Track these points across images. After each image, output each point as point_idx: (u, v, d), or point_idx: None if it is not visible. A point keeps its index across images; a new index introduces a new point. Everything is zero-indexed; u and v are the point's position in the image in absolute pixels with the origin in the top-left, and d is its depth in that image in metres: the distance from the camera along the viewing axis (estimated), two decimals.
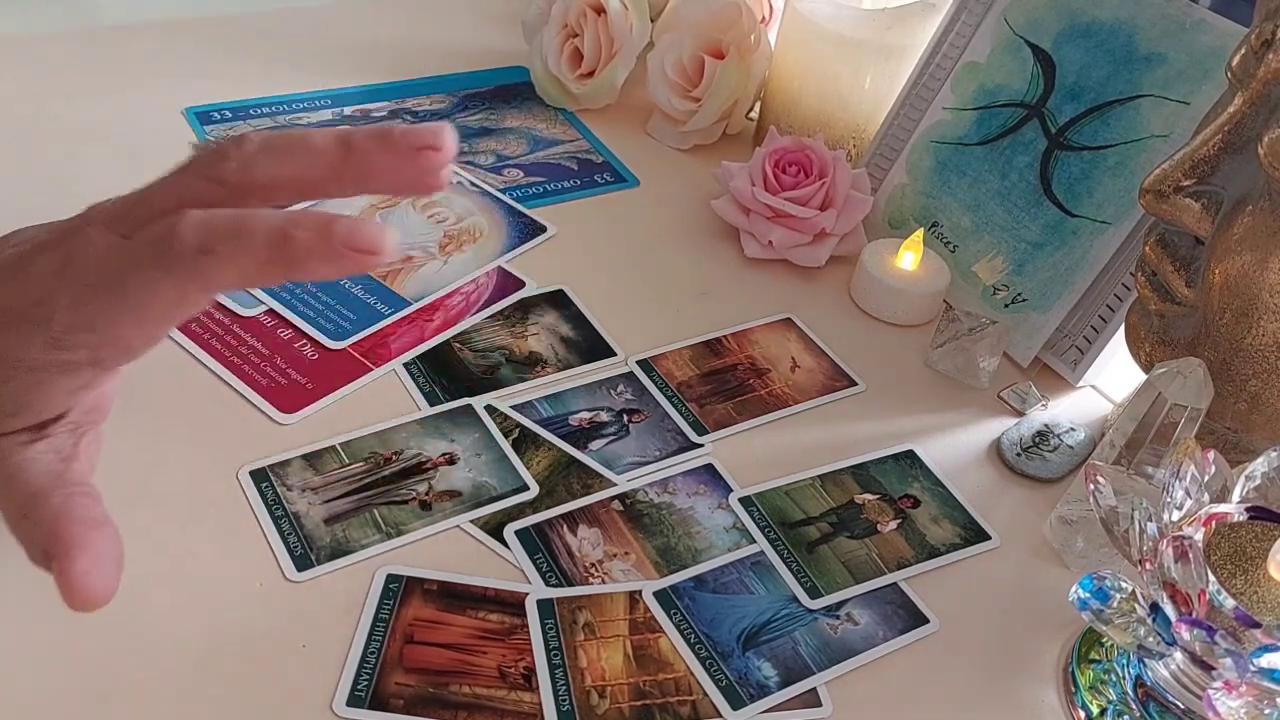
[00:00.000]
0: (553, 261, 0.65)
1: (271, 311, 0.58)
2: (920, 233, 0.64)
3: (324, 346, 0.56)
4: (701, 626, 0.47)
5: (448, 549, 0.48)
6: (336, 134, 0.38)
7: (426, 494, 0.50)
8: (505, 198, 0.69)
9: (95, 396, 0.41)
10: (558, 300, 0.62)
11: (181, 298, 0.36)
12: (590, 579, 0.48)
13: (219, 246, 0.35)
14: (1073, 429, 0.59)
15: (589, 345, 0.60)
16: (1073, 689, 0.46)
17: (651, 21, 0.77)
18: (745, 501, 0.52)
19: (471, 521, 0.49)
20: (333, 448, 0.52)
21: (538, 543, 0.49)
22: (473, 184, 0.69)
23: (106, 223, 0.38)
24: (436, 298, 0.60)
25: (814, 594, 0.49)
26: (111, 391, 0.42)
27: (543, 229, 0.67)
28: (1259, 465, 0.43)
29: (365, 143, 0.38)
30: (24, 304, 0.37)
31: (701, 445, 0.55)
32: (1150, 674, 0.44)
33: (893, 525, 0.52)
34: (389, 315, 0.59)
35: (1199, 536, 0.41)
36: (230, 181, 0.37)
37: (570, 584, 0.47)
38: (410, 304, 0.60)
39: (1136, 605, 0.42)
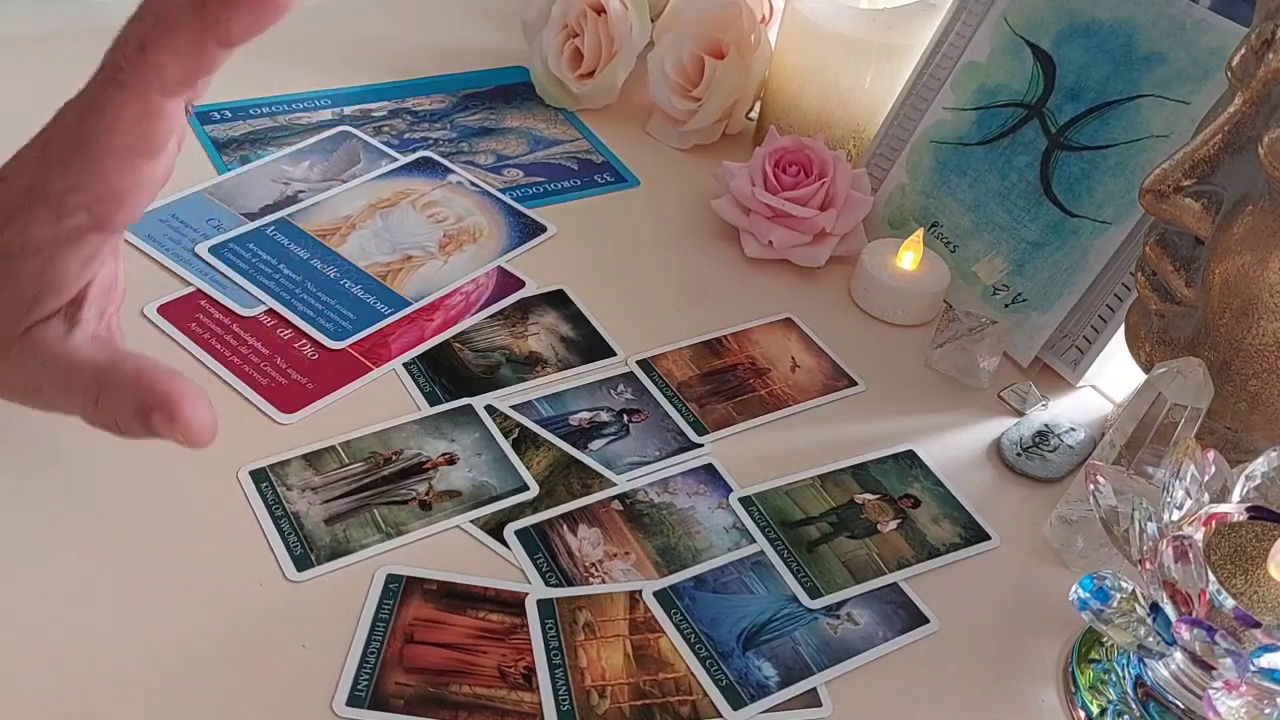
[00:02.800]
0: (553, 261, 0.65)
1: (271, 311, 0.58)
2: (920, 233, 0.64)
3: (324, 346, 0.56)
4: (701, 626, 0.47)
5: (448, 549, 0.48)
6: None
7: (426, 494, 0.50)
8: (505, 198, 0.69)
9: (106, 276, 0.43)
10: (558, 300, 0.62)
11: (145, 107, 0.37)
12: (590, 579, 0.48)
13: (150, 35, 0.36)
14: (1073, 429, 0.59)
15: (589, 345, 0.60)
16: (1073, 689, 0.46)
17: (651, 21, 0.77)
18: (745, 501, 0.52)
19: (471, 521, 0.49)
20: (333, 448, 0.52)
21: (538, 543, 0.49)
22: (473, 184, 0.69)
23: (82, 92, 0.39)
24: (436, 298, 0.60)
25: (814, 594, 0.49)
26: (119, 272, 0.44)
27: (543, 229, 0.67)
28: (1259, 465, 0.43)
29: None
30: (16, 194, 0.39)
31: (701, 445, 0.55)
32: (1150, 674, 0.44)
33: (893, 525, 0.52)
34: (389, 315, 0.59)
35: (1199, 536, 0.41)
36: (127, 70, 0.38)
37: (570, 584, 0.47)
38: (410, 304, 0.60)
39: (1136, 605, 0.42)
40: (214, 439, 0.40)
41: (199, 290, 0.58)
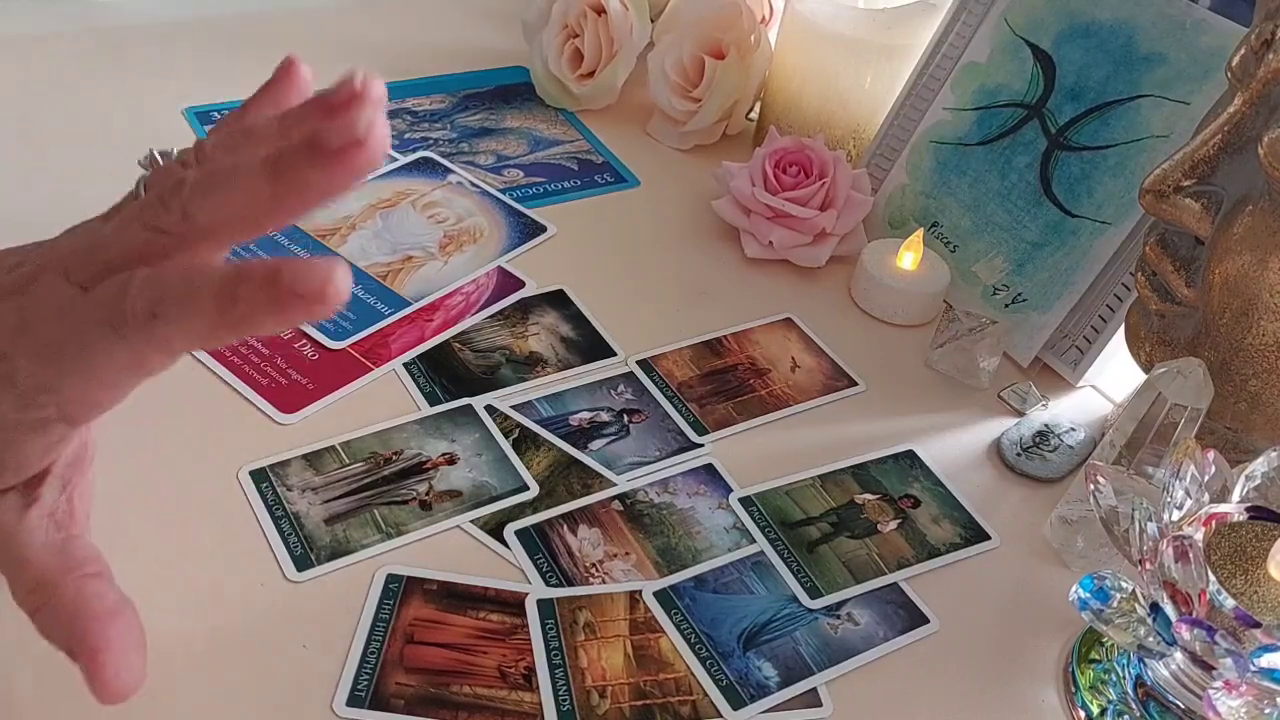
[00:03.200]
0: (553, 261, 0.65)
1: None
2: (920, 233, 0.64)
3: (324, 346, 0.56)
4: (702, 626, 0.47)
5: (448, 549, 0.48)
6: (262, 162, 0.35)
7: (426, 494, 0.50)
8: (505, 198, 0.69)
9: (76, 447, 0.40)
10: (558, 300, 0.62)
11: (138, 361, 0.35)
12: (590, 579, 0.48)
13: (167, 311, 0.34)
14: (1073, 429, 0.59)
15: (589, 345, 0.60)
16: (1073, 689, 0.46)
17: (651, 21, 0.77)
18: (745, 501, 0.52)
19: (471, 521, 0.49)
20: (333, 448, 0.52)
21: (538, 543, 0.49)
22: (473, 184, 0.70)
23: (66, 269, 0.36)
24: (436, 298, 0.60)
25: (814, 594, 0.49)
26: (91, 439, 0.41)
27: (543, 229, 0.67)
28: (1259, 465, 0.43)
29: (293, 159, 0.34)
30: None
31: (701, 445, 0.55)
32: (1150, 674, 0.44)
33: (893, 525, 0.52)
34: (389, 315, 0.59)
35: (1199, 536, 0.41)
36: (174, 231, 0.36)
37: (570, 584, 0.47)
38: (410, 304, 0.60)
39: (1136, 605, 0.42)
40: (130, 697, 0.37)
41: None
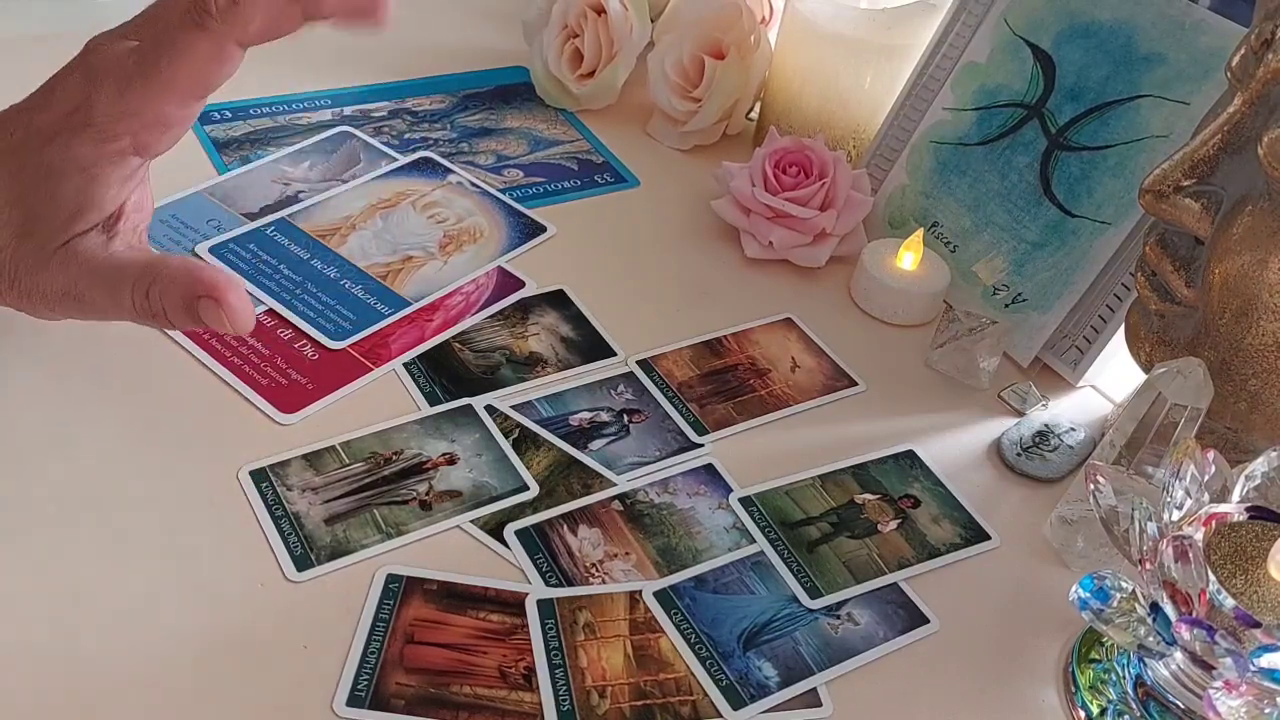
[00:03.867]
0: (553, 261, 0.65)
1: (271, 312, 0.58)
2: (920, 233, 0.64)
3: (324, 346, 0.56)
4: (702, 626, 0.47)
5: (448, 549, 0.48)
6: None
7: (426, 494, 0.50)
8: (505, 198, 0.69)
9: (141, 195, 0.47)
10: (558, 300, 0.62)
11: (218, 52, 0.43)
12: (590, 579, 0.48)
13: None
14: (1073, 429, 0.59)
15: (589, 345, 0.60)
16: (1073, 689, 0.46)
17: (651, 21, 0.77)
18: (745, 501, 0.52)
19: (471, 521, 0.49)
20: (333, 448, 0.52)
21: (538, 543, 0.49)
22: (473, 184, 0.69)
23: (114, 36, 0.45)
24: (436, 298, 0.60)
25: (814, 594, 0.49)
26: (149, 192, 0.49)
27: (543, 229, 0.67)
28: (1259, 465, 0.43)
29: None
30: (59, 117, 0.44)
31: (701, 445, 0.55)
32: (1150, 674, 0.44)
33: (893, 525, 0.52)
34: (389, 315, 0.59)
35: (1199, 536, 0.41)
36: (212, 12, 0.43)
37: (570, 584, 0.47)
38: (410, 304, 0.60)
39: (1136, 605, 0.42)
40: (252, 327, 0.45)
41: None
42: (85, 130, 0.43)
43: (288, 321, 0.57)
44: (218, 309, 0.44)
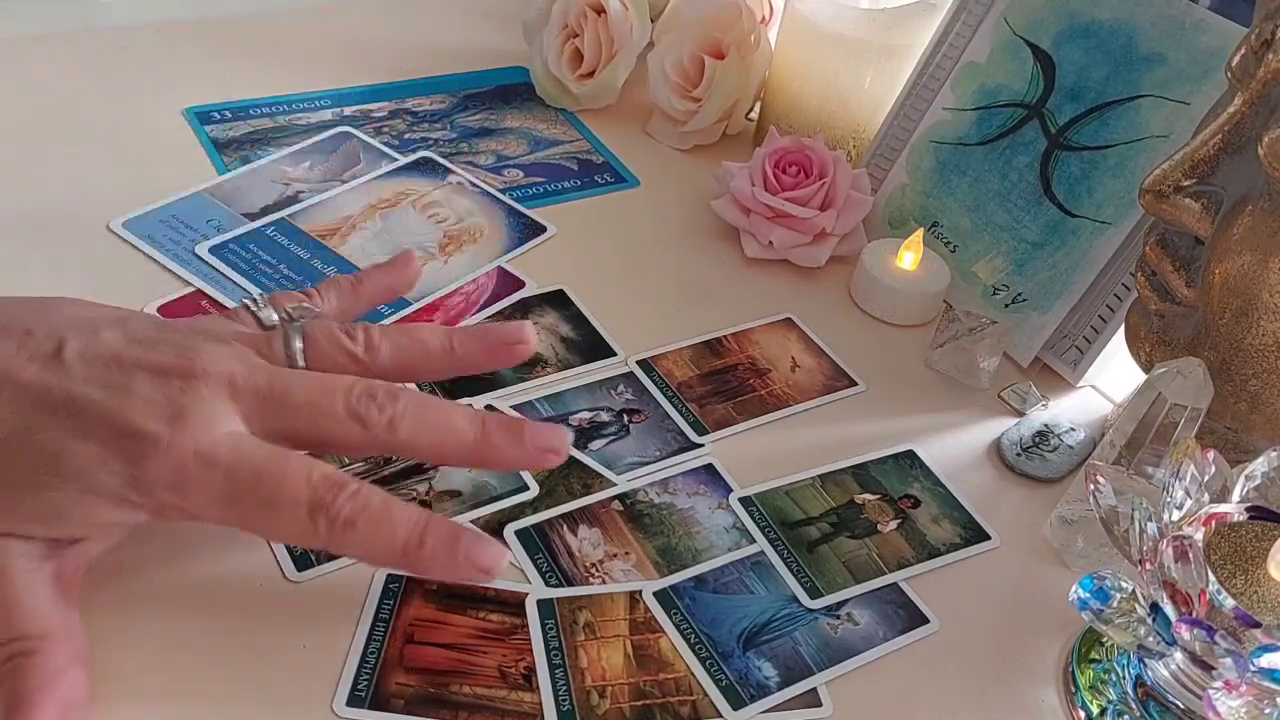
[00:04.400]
0: (553, 261, 0.65)
1: None
2: (920, 233, 0.64)
3: None
4: (702, 626, 0.47)
5: None
6: (444, 338, 0.46)
7: (427, 494, 0.50)
8: (505, 198, 0.69)
9: (107, 538, 0.41)
10: (558, 300, 0.62)
11: (304, 538, 0.40)
12: (590, 579, 0.48)
13: (364, 528, 0.39)
14: (1073, 429, 0.59)
15: (589, 345, 0.60)
16: (1073, 689, 0.46)
17: (651, 21, 0.77)
18: (745, 501, 0.52)
19: (472, 521, 0.49)
20: None
21: (538, 543, 0.49)
22: (473, 184, 0.70)
23: (242, 392, 0.40)
24: (436, 298, 0.60)
25: (814, 594, 0.49)
26: (113, 542, 0.42)
27: (543, 229, 0.67)
28: (1259, 465, 0.43)
29: (467, 344, 0.46)
30: (117, 426, 0.38)
31: (701, 445, 0.55)
32: (1150, 674, 0.44)
33: (893, 525, 0.52)
34: (389, 315, 0.59)
35: (1199, 536, 0.41)
36: (375, 434, 0.41)
37: (570, 584, 0.47)
38: (410, 304, 0.60)
39: (1136, 605, 0.42)
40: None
41: (199, 290, 0.58)
42: (126, 466, 0.38)
43: None
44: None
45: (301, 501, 0.38)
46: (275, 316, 0.45)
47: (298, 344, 0.43)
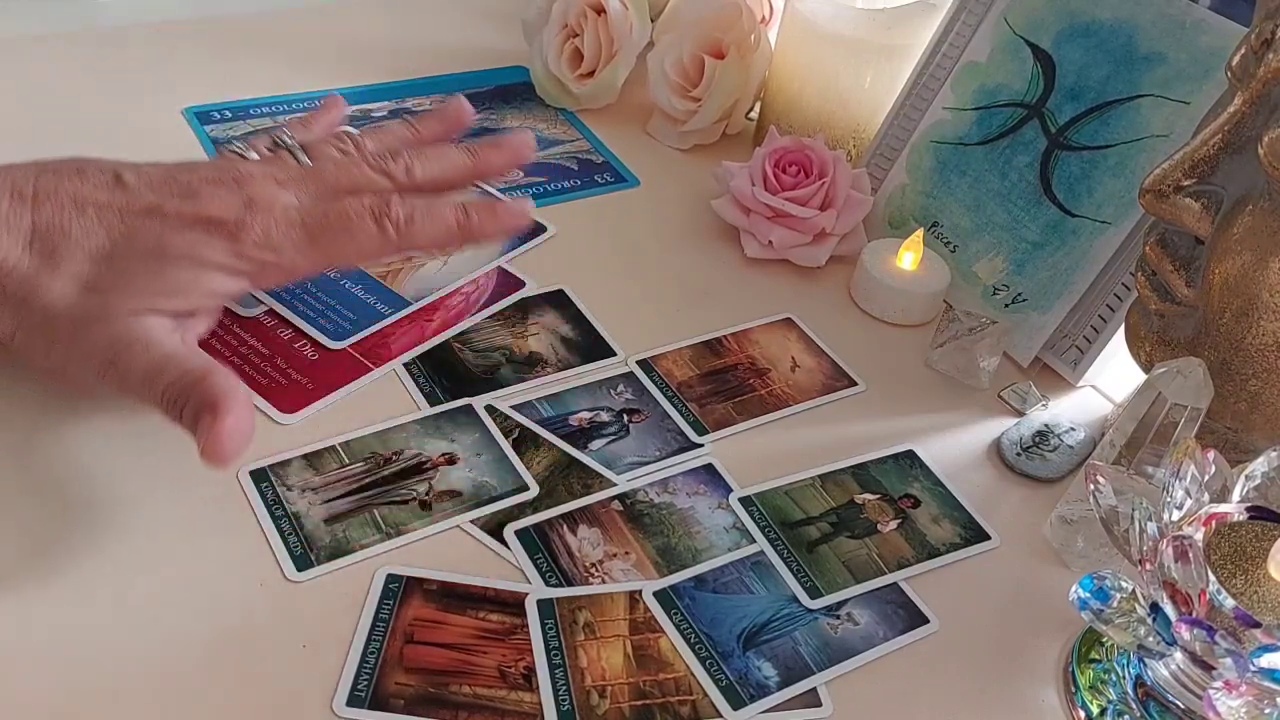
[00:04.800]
0: (553, 261, 0.65)
1: (271, 312, 0.58)
2: (920, 233, 0.64)
3: (324, 347, 0.56)
4: (701, 626, 0.47)
5: (448, 549, 0.48)
6: (464, 147, 0.56)
7: (426, 494, 0.50)
8: (505, 199, 0.69)
9: (215, 310, 0.51)
10: (558, 300, 0.62)
11: (381, 250, 0.51)
12: (590, 579, 0.48)
13: (423, 219, 0.51)
14: (1073, 429, 0.59)
15: (589, 345, 0.60)
16: (1073, 689, 0.46)
17: (651, 21, 0.77)
18: (745, 501, 0.52)
19: (471, 521, 0.49)
20: (333, 448, 0.52)
21: (538, 543, 0.49)
22: (473, 184, 0.69)
23: (269, 180, 0.50)
24: (437, 298, 0.60)
25: (814, 594, 0.49)
26: (218, 316, 0.53)
27: (543, 229, 0.67)
28: (1259, 465, 0.43)
29: (484, 150, 0.57)
30: (201, 218, 0.47)
31: (701, 445, 0.55)
32: (1150, 674, 0.44)
33: (893, 525, 0.52)
34: (389, 315, 0.59)
35: (1199, 536, 0.41)
36: (396, 179, 0.53)
37: (570, 584, 0.47)
38: (410, 304, 0.60)
39: (1136, 605, 0.42)
40: (231, 461, 0.44)
41: None
42: (225, 241, 0.47)
43: (287, 321, 0.57)
44: (217, 430, 0.43)
45: (366, 217, 0.49)
46: (265, 149, 0.54)
47: (304, 157, 0.53)
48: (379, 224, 0.49)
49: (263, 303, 0.58)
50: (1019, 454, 0.57)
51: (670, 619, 0.47)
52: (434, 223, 0.51)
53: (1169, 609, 0.40)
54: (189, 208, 0.47)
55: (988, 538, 0.53)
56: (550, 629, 0.45)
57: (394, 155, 0.53)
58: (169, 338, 0.46)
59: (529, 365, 0.58)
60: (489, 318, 0.60)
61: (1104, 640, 0.48)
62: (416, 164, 0.53)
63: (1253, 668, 0.38)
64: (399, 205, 0.50)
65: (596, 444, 0.54)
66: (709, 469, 0.54)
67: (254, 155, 0.53)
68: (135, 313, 0.46)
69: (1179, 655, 0.42)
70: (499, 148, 0.57)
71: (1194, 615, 0.39)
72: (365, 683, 0.43)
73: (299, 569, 0.46)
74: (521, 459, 0.52)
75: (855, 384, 0.60)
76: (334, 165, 0.52)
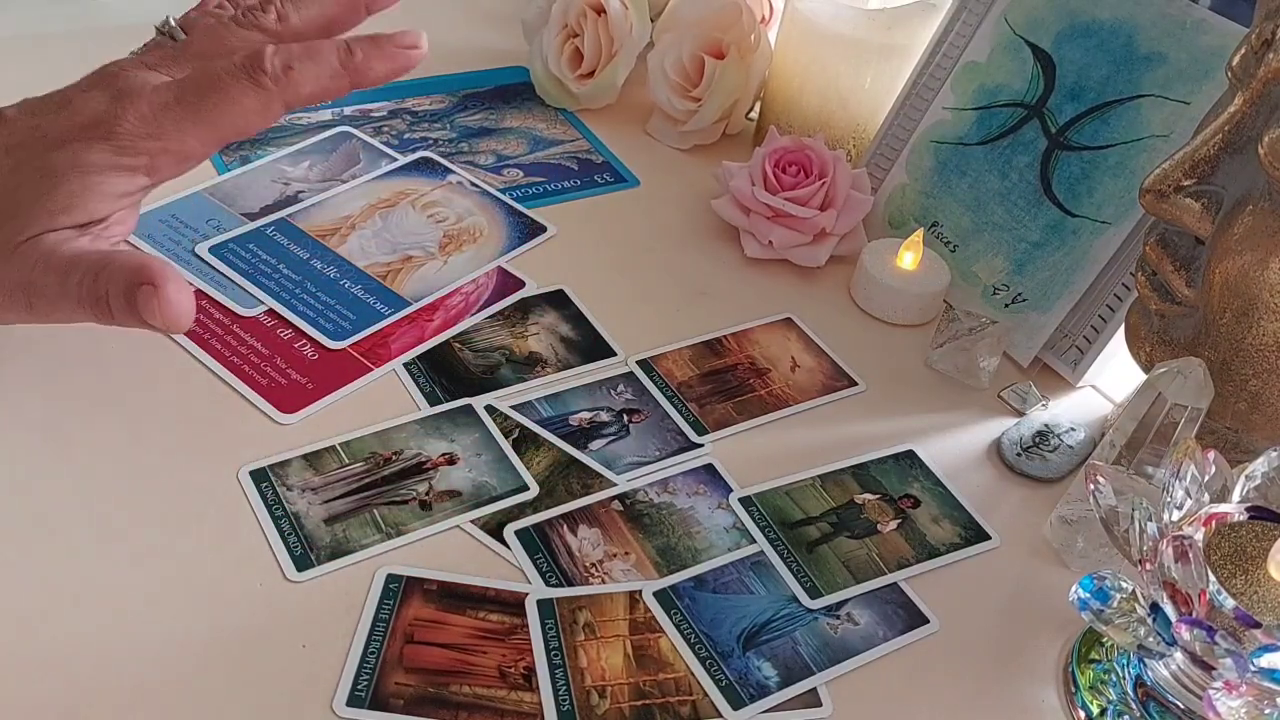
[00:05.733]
0: (553, 261, 0.65)
1: (271, 312, 0.58)
2: (920, 233, 0.64)
3: (324, 346, 0.56)
4: (701, 626, 0.47)
5: (448, 549, 0.48)
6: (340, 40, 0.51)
7: (426, 494, 0.50)
8: (505, 198, 0.69)
9: (130, 212, 0.49)
10: (558, 300, 0.62)
11: (264, 108, 0.47)
12: (590, 579, 0.48)
13: (301, 64, 0.47)
14: (1073, 429, 0.59)
15: (589, 345, 0.60)
16: (1073, 689, 0.46)
17: (651, 21, 0.77)
18: (745, 501, 0.52)
19: (471, 521, 0.49)
20: (333, 448, 0.52)
21: (538, 543, 0.49)
22: (473, 184, 0.69)
23: (138, 65, 0.49)
24: (437, 298, 0.60)
25: (814, 594, 0.49)
26: (137, 212, 0.51)
27: (543, 229, 0.67)
28: (1259, 465, 0.43)
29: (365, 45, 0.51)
30: (74, 126, 0.46)
31: (701, 445, 0.55)
32: (1150, 674, 0.44)
33: (893, 525, 0.52)
34: (389, 315, 0.59)
35: (1199, 536, 0.41)
36: (270, 30, 0.50)
37: (570, 584, 0.47)
38: (410, 304, 0.60)
39: (1136, 605, 0.42)
40: (186, 326, 0.45)
41: (199, 290, 0.58)
42: (104, 142, 0.46)
43: (288, 321, 0.57)
44: (153, 297, 0.44)
45: (240, 74, 0.47)
46: (149, 42, 0.53)
47: (180, 34, 0.52)
48: (253, 79, 0.47)
49: (263, 303, 0.58)
50: (1019, 454, 0.57)
51: (670, 619, 0.47)
52: (315, 65, 0.48)
53: (1169, 609, 0.40)
54: (64, 119, 0.47)
55: (988, 538, 0.53)
56: (550, 629, 0.45)
57: (264, 6, 0.51)
58: (72, 244, 0.46)
59: (529, 365, 0.58)
60: (489, 318, 0.60)
61: (1104, 640, 0.48)
62: (289, 8, 0.51)
63: (1253, 668, 0.38)
64: (273, 55, 0.47)
65: (596, 444, 0.54)
66: (709, 469, 0.54)
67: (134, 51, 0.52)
68: (33, 237, 0.45)
69: (1179, 655, 0.42)
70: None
71: (1194, 615, 0.39)
72: (365, 683, 0.43)
73: (299, 569, 0.46)
74: (521, 459, 0.52)
75: (855, 384, 0.60)
76: (202, 32, 0.50)
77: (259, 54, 0.47)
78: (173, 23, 0.52)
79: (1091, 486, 0.44)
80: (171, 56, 0.49)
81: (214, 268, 0.60)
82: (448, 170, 0.70)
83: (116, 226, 0.49)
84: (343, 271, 0.61)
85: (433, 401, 0.55)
